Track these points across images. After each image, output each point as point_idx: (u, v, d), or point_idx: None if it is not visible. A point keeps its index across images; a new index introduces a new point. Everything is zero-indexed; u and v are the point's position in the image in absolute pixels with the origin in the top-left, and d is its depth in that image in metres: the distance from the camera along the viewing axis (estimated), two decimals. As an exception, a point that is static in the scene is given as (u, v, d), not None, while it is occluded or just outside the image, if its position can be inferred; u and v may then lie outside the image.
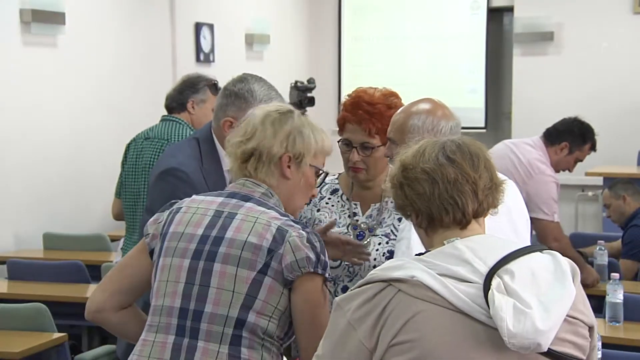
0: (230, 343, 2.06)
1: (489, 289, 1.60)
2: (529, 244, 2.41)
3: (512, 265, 1.64)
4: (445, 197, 1.73)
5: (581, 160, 4.97)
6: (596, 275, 4.62)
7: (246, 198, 2.17)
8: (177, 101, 4.24)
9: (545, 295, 1.62)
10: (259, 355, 2.07)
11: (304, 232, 2.09)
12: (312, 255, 2.07)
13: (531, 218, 4.75)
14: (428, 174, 1.74)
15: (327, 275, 2.10)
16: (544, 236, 4.64)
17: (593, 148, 4.94)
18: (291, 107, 2.31)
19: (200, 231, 2.14)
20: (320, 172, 2.28)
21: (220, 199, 2.19)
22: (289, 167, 2.20)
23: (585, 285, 4.50)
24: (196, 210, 2.18)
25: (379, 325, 1.66)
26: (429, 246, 1.78)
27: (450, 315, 1.63)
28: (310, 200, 2.44)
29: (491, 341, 1.61)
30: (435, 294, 1.63)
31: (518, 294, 1.60)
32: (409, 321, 1.63)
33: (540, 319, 1.57)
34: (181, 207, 2.21)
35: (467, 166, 1.75)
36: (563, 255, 1.76)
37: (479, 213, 1.77)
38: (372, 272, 1.72)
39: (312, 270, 2.06)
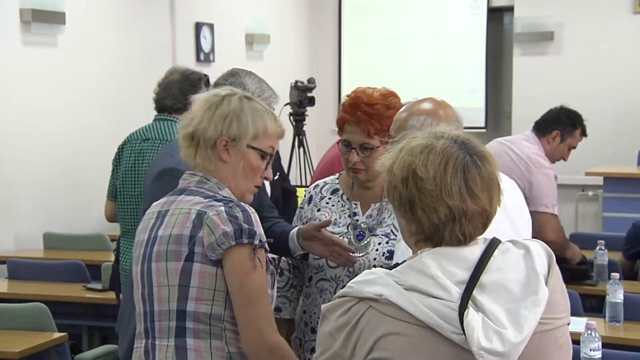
0: (176, 335, 2.11)
1: (465, 308, 1.58)
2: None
3: (484, 277, 1.63)
4: (457, 233, 1.68)
5: (574, 147, 5.01)
6: (578, 251, 4.77)
7: (180, 191, 2.22)
8: (182, 102, 4.13)
9: (517, 302, 1.61)
10: (206, 344, 2.10)
11: (223, 208, 2.10)
12: (230, 229, 2.07)
13: (531, 211, 4.82)
14: (450, 209, 1.66)
15: (256, 242, 2.10)
16: (542, 226, 4.64)
17: (584, 133, 5.00)
18: (234, 90, 2.29)
19: (146, 236, 2.21)
20: (267, 155, 2.26)
21: (164, 199, 2.25)
22: (226, 150, 2.20)
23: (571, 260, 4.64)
24: (147, 215, 2.26)
25: (354, 337, 1.67)
26: (410, 245, 1.77)
27: (418, 331, 1.62)
28: (258, 187, 2.36)
29: (459, 359, 1.60)
30: (403, 311, 1.63)
31: (494, 313, 1.59)
32: (379, 339, 1.64)
33: (513, 336, 1.57)
34: (144, 216, 2.29)
35: (485, 200, 1.69)
36: (558, 245, 1.76)
37: (476, 237, 1.72)
38: (349, 283, 1.71)
39: (233, 243, 2.07)
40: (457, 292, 1.62)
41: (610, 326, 3.80)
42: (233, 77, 2.86)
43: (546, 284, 1.66)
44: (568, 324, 1.74)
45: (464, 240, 1.69)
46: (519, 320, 1.59)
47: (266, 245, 2.15)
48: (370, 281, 1.68)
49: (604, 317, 3.85)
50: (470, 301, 1.60)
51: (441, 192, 1.67)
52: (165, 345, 2.11)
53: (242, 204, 2.15)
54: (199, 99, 2.26)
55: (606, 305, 3.86)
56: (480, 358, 1.56)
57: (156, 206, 2.25)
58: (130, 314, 2.92)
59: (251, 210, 2.14)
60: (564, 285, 1.75)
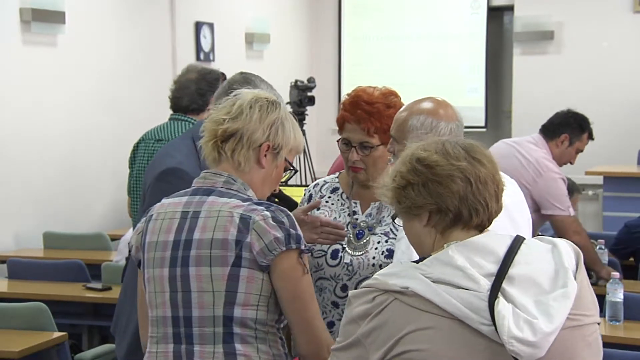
0: (224, 342, 2.08)
1: (496, 298, 1.60)
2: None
3: (512, 270, 1.65)
4: (478, 198, 1.72)
5: (581, 151, 5.01)
6: (608, 268, 4.60)
7: (208, 192, 2.16)
8: (198, 103, 4.07)
9: (546, 295, 1.62)
10: (254, 349, 2.09)
11: (268, 213, 2.08)
12: (281, 234, 2.06)
13: (548, 216, 4.80)
14: (463, 173, 1.72)
15: (302, 247, 2.10)
16: (563, 231, 4.65)
17: (591, 137, 5.00)
18: (274, 98, 2.30)
19: (171, 237, 2.14)
20: (290, 169, 2.28)
21: (185, 199, 2.18)
22: (265, 156, 2.19)
23: (600, 278, 4.55)
24: (165, 215, 2.18)
25: (376, 327, 1.69)
26: (428, 249, 1.77)
27: (447, 323, 1.64)
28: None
29: (489, 351, 1.61)
30: (430, 303, 1.64)
31: (523, 305, 1.61)
32: (407, 335, 1.65)
33: (545, 325, 1.59)
34: (152, 215, 2.21)
35: (491, 167, 1.75)
36: (583, 249, 1.79)
37: (495, 216, 1.77)
38: (375, 275, 1.73)
39: (284, 249, 2.06)
40: (486, 283, 1.63)
41: (610, 325, 3.80)
42: (249, 84, 2.84)
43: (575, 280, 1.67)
44: (598, 324, 1.73)
45: (486, 208, 1.73)
46: (549, 311, 1.59)
47: (311, 251, 2.15)
48: (396, 274, 1.70)
49: (604, 316, 3.85)
50: (499, 292, 1.61)
51: (447, 159, 1.73)
52: (211, 351, 2.08)
53: (283, 208, 2.14)
54: (246, 96, 2.22)
55: (606, 305, 3.86)
56: (511, 347, 1.56)
57: (175, 205, 2.18)
58: (129, 316, 2.91)
59: (291, 214, 2.13)
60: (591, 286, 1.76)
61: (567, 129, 4.91)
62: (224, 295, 2.07)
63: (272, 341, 2.12)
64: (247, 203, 2.11)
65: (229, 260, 2.06)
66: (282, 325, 2.17)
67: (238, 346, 2.07)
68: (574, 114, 4.99)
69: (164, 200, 2.23)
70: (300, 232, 2.11)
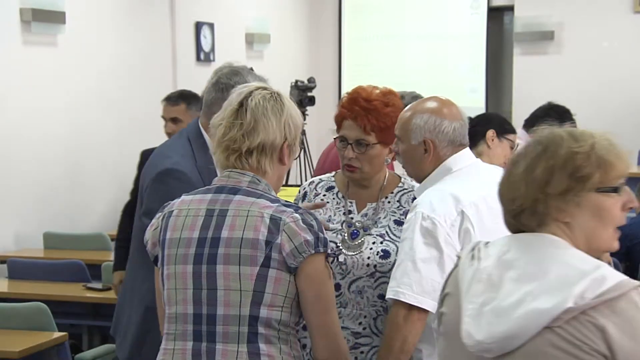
0: (248, 341, 2.06)
1: None
2: None
3: None
4: None
5: None
6: None
7: (234, 190, 2.14)
8: None
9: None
10: (277, 349, 2.08)
11: (297, 215, 2.07)
12: (310, 237, 2.05)
13: None
14: None
15: (328, 251, 2.10)
16: None
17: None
18: (274, 89, 2.24)
19: (196, 234, 2.11)
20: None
21: (209, 196, 2.15)
22: (285, 154, 2.19)
23: None
24: (187, 212, 2.15)
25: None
26: None
27: None
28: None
29: None
30: None
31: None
32: (446, 295, 1.91)
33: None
34: (173, 211, 2.17)
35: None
36: None
37: None
38: None
39: (313, 252, 2.05)
40: None
41: (611, 326, 3.79)
42: (237, 76, 2.83)
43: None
44: None
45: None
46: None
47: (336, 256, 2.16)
48: None
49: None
50: None
51: None
52: (235, 350, 2.06)
53: (310, 211, 2.14)
54: (251, 103, 2.15)
55: (606, 305, 3.85)
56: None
57: (198, 202, 2.15)
58: (129, 317, 2.91)
59: (318, 217, 2.13)
60: None
61: (547, 121, 4.96)
62: (251, 294, 2.05)
63: (293, 342, 2.13)
64: (277, 204, 2.09)
65: (258, 260, 2.05)
66: (299, 330, 2.17)
67: (262, 346, 2.07)
68: (554, 106, 5.06)
69: (184, 197, 2.19)
70: (326, 235, 2.11)
